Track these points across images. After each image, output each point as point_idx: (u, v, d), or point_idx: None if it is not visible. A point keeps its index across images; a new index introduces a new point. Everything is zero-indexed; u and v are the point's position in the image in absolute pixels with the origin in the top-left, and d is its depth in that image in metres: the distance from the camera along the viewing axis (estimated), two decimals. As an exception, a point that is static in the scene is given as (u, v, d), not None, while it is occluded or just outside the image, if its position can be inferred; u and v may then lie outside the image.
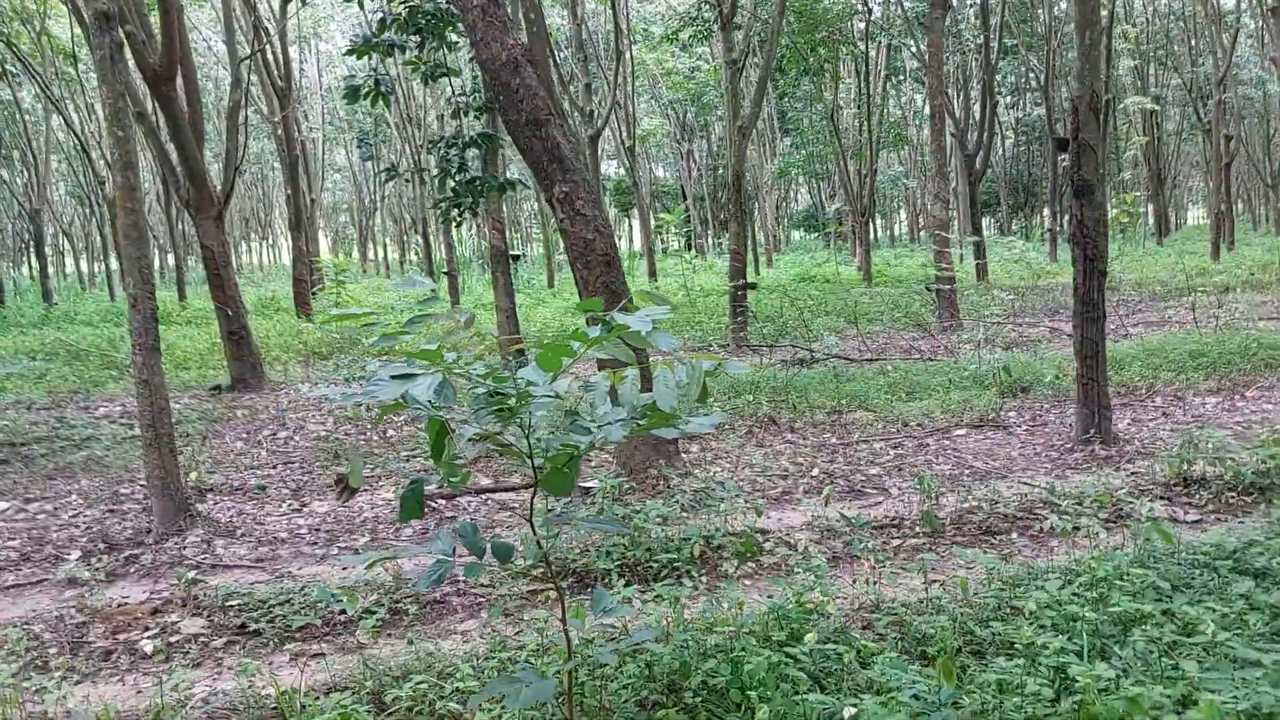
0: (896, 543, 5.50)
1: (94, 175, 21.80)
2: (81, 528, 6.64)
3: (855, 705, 3.00)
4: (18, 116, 24.77)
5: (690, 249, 39.48)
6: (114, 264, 36.75)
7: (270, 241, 65.57)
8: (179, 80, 10.83)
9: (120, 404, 11.75)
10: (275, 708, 3.91)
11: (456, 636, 4.64)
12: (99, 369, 14.41)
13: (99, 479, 8.11)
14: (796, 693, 3.24)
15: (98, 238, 44.01)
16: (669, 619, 4.06)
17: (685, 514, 5.80)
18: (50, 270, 29.71)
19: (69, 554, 5.99)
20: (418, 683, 3.85)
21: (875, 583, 4.64)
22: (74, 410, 11.38)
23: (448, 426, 2.91)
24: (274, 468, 8.26)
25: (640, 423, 2.66)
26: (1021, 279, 21.62)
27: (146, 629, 4.78)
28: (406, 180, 25.57)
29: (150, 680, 4.35)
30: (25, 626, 4.83)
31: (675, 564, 5.05)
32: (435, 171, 10.58)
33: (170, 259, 39.47)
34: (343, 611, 4.86)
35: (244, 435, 9.64)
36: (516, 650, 4.17)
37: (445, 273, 20.21)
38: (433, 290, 2.92)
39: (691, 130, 39.54)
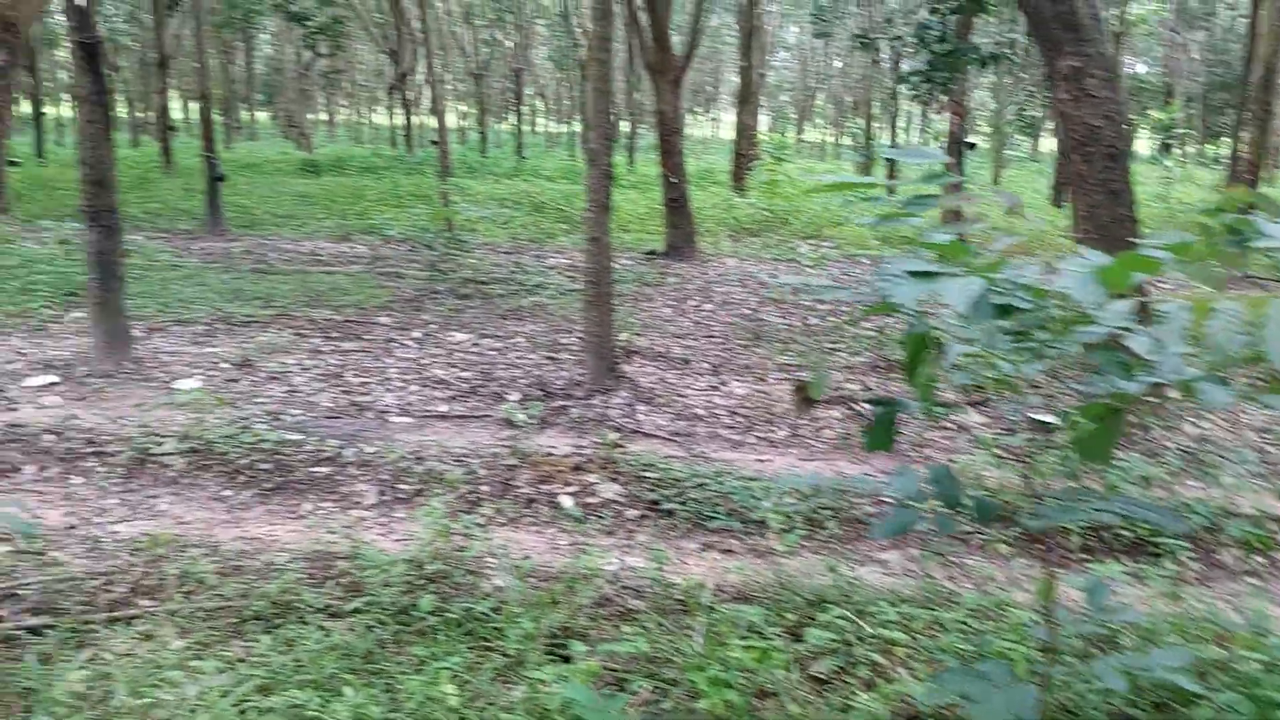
0: None
1: (570, 40, 23.17)
2: (522, 369, 6.96)
3: None
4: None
5: (1170, 155, 34.37)
6: (575, 126, 39.69)
7: (713, 116, 67.18)
8: (655, -61, 10.78)
9: (567, 256, 12.46)
10: (681, 600, 3.67)
11: (875, 566, 4.13)
12: (553, 221, 15.46)
13: (543, 325, 8.54)
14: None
15: (565, 101, 47.77)
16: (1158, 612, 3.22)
17: (1171, 479, 4.74)
18: (524, 127, 32.63)
19: (509, 394, 6.27)
20: (835, 616, 3.40)
21: None
22: (529, 257, 12.25)
23: (931, 340, 2.29)
24: (695, 339, 8.18)
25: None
26: None
27: (567, 484, 4.80)
28: (866, 54, 24.41)
29: (566, 537, 4.34)
30: (464, 460, 5.06)
31: (1155, 539, 4.10)
32: (907, 42, 9.65)
33: (624, 125, 41.76)
34: (754, 509, 4.53)
35: (671, 302, 9.71)
36: (951, 604, 3.57)
37: (886, 158, 19.15)
38: (947, 165, 2.27)
39: (1192, 18, 33.87)
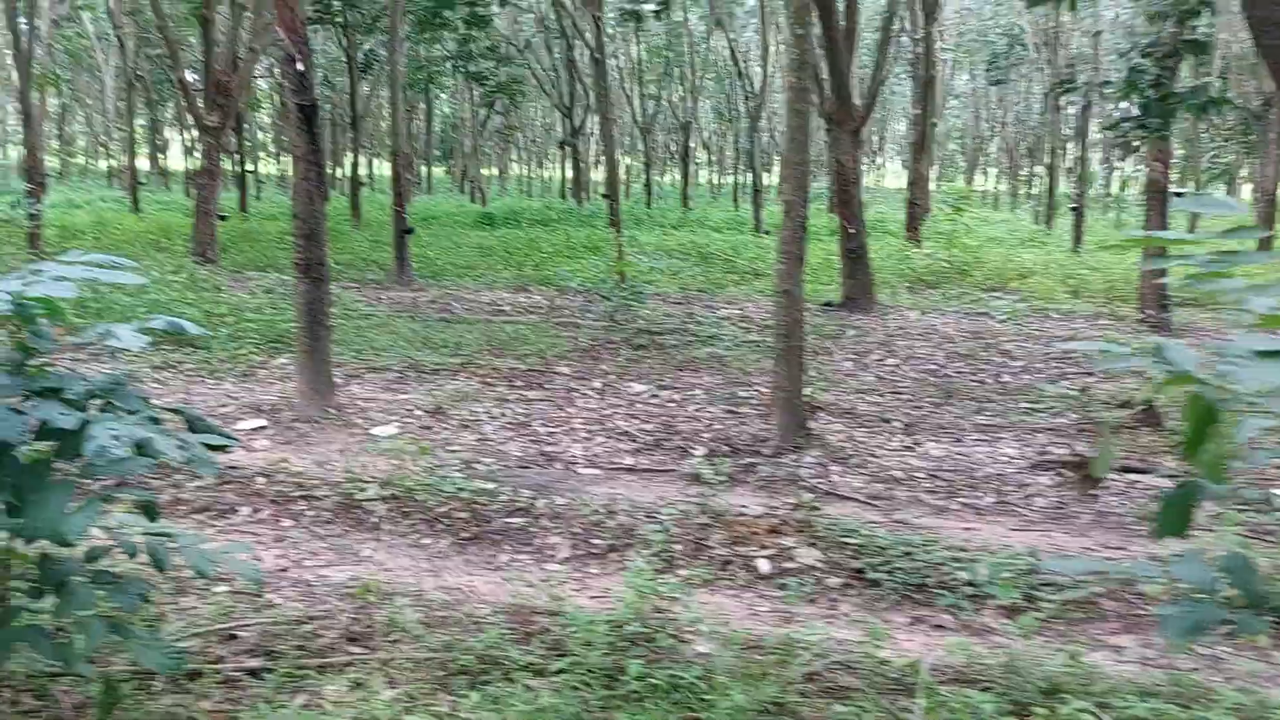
0: None
1: (742, 90, 23.30)
2: (704, 423, 6.87)
3: None
4: (682, 35, 27.46)
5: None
6: (741, 177, 39.86)
7: (880, 164, 66.25)
8: (837, -11, 10.69)
9: (738, 307, 12.37)
10: (896, 679, 3.44)
11: (1108, 651, 3.77)
12: (722, 272, 15.44)
13: (720, 377, 8.44)
14: None
15: (728, 153, 48.09)
16: None
17: None
18: (688, 179, 32.99)
19: (694, 449, 6.17)
20: (1076, 709, 3.09)
21: None
22: (700, 308, 12.22)
23: (1219, 411, 2.03)
24: (881, 396, 7.89)
25: None
26: None
27: (763, 546, 4.63)
28: (1051, 101, 23.48)
29: (766, 604, 4.17)
30: (655, 516, 4.97)
31: None
32: (1114, 87, 9.17)
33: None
34: (969, 583, 4.24)
35: (852, 356, 9.44)
36: (1207, 702, 3.20)
37: (1073, 208, 18.30)
38: (1244, 217, 2.02)
39: None
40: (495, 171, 51.84)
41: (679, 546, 4.60)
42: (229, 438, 3.08)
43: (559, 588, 4.23)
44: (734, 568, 4.46)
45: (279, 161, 48.53)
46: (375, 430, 6.39)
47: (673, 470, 5.77)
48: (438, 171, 53.28)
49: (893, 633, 3.89)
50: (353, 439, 6.23)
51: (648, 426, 6.74)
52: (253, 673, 3.47)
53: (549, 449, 6.15)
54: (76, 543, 2.51)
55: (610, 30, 24.68)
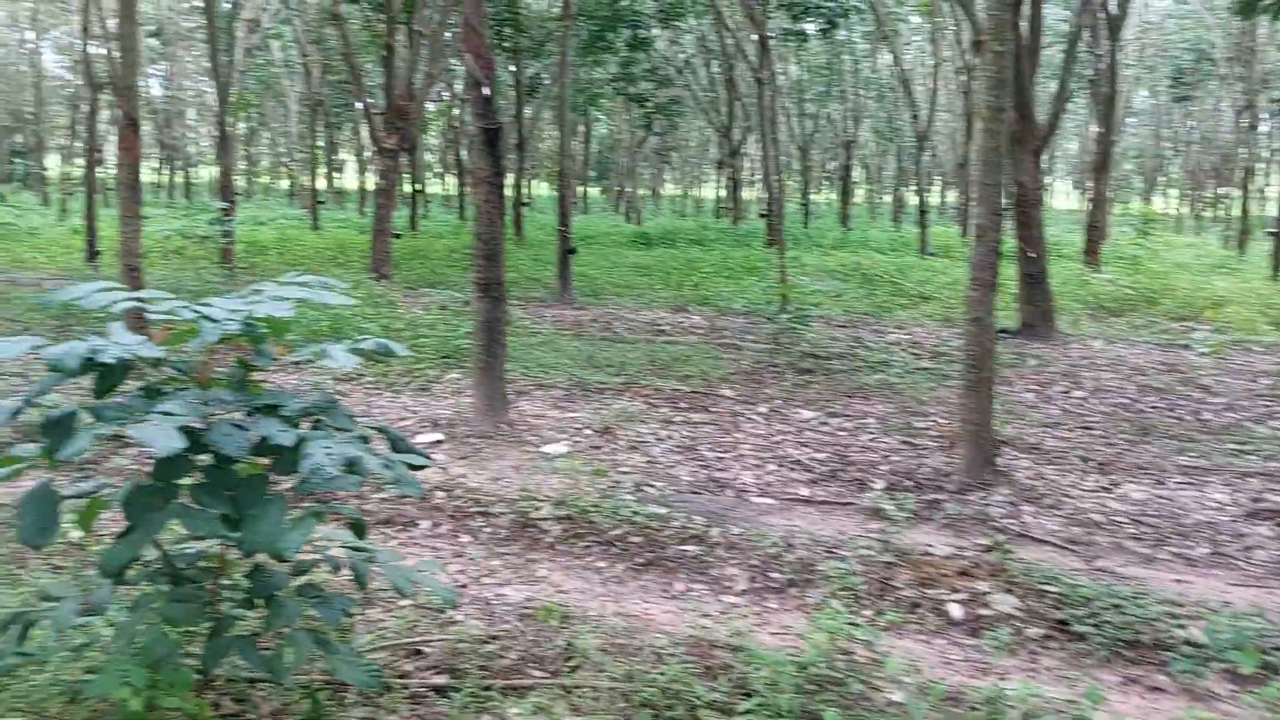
0: None
1: (909, 108, 22.72)
2: (879, 454, 6.61)
3: None
4: (844, 55, 27.06)
5: None
6: (899, 196, 38.92)
7: (1049, 184, 63.56)
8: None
9: (907, 332, 11.97)
10: (1114, 747, 3.15)
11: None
12: (887, 295, 15.01)
13: (891, 405, 8.14)
14: None
15: (885, 172, 47.09)
16: None
17: None
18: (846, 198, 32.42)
19: (873, 482, 5.94)
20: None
21: None
22: (866, 332, 11.89)
23: None
24: (1069, 430, 7.42)
25: None
26: None
27: (954, 590, 4.37)
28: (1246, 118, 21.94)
29: (959, 651, 3.92)
30: (835, 552, 4.78)
31: None
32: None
33: (952, 195, 40.45)
34: (1187, 642, 3.87)
35: (1034, 386, 8.96)
36: None
37: (1271, 232, 16.95)
38: None
39: None
40: (649, 191, 52.41)
41: (863, 585, 4.40)
42: (426, 458, 3.10)
43: (738, 621, 4.11)
44: (923, 611, 4.22)
45: (443, 182, 50.54)
46: (546, 448, 6.42)
47: (851, 504, 5.56)
48: (593, 191, 54.32)
49: (1106, 692, 3.58)
50: (525, 456, 6.28)
51: (820, 456, 6.53)
52: (439, 690, 3.48)
53: (719, 475, 6.04)
54: (292, 557, 2.55)
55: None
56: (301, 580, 2.97)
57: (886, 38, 21.52)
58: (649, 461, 6.27)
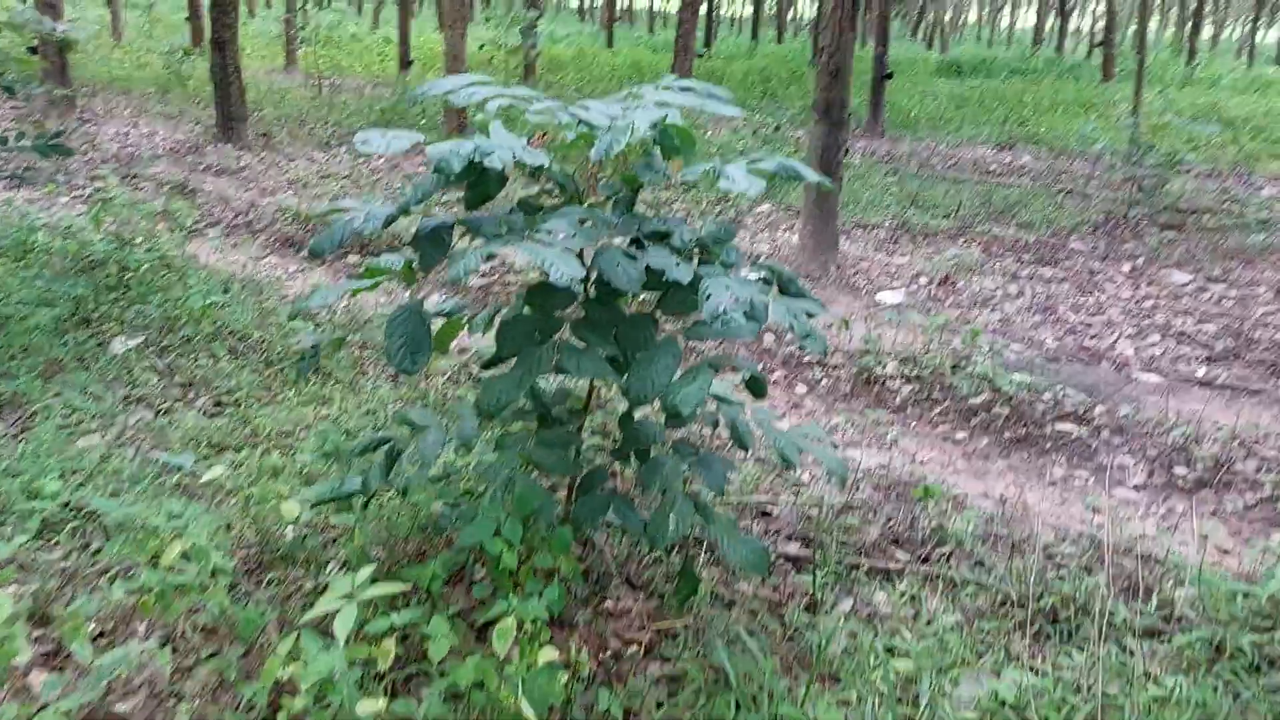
0: None
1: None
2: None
3: None
4: None
5: None
6: (1257, 30, 33.20)
7: None
8: None
9: (1288, 187, 10.10)
10: None
11: None
12: (1254, 141, 12.77)
13: (1284, 273, 6.81)
14: None
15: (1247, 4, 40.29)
16: None
17: None
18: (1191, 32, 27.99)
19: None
20: None
21: None
22: (1235, 184, 10.13)
23: None
24: None
25: None
26: None
27: None
28: None
29: None
30: (1258, 452, 3.93)
31: None
32: None
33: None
34: None
35: None
36: None
37: None
38: None
39: None
40: (949, 16, 48.00)
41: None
42: (820, 305, 2.60)
43: (1138, 523, 3.45)
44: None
45: (732, 2, 48.60)
46: (881, 295, 5.81)
47: (1261, 391, 4.60)
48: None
49: None
50: (858, 302, 5.71)
51: (1209, 329, 5.50)
52: (793, 560, 3.12)
53: (1091, 342, 5.20)
54: (689, 414, 2.16)
55: None
56: (678, 435, 2.61)
57: None
58: (1002, 320, 5.51)
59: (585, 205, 2.45)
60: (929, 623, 2.80)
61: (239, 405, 3.93)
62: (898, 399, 4.43)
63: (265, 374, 4.20)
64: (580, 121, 2.42)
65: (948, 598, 2.93)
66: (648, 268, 2.25)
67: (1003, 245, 7.29)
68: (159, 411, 3.84)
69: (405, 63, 16.44)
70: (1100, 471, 3.86)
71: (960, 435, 4.15)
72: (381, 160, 9.39)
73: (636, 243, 2.37)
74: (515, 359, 2.29)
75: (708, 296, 2.16)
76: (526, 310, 2.36)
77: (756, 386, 2.39)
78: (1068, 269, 6.75)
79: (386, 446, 2.50)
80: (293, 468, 3.33)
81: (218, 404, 3.98)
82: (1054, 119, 13.91)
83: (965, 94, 16.66)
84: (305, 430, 3.72)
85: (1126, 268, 6.84)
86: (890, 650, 2.63)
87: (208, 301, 4.52)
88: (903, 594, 2.95)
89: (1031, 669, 2.60)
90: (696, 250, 2.42)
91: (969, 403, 4.34)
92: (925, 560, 3.17)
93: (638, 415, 2.58)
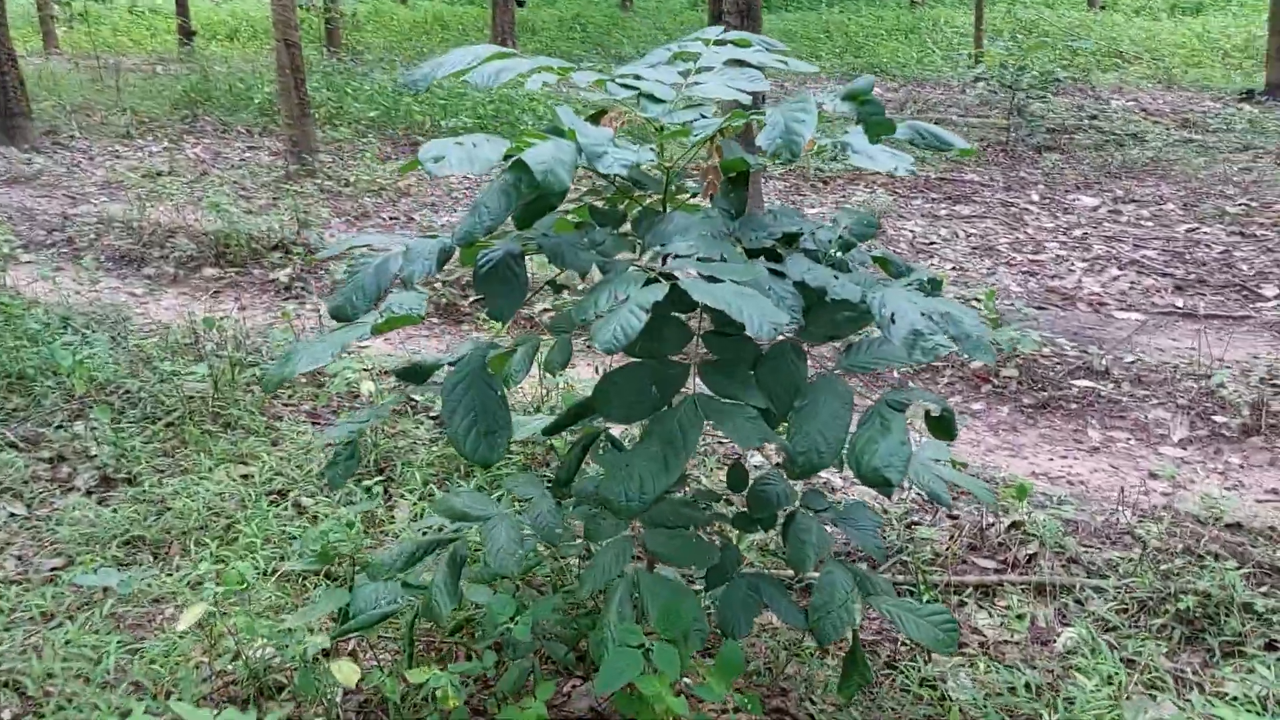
0: None
1: None
2: (1214, 249, 5.43)
3: None
4: None
5: None
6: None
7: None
8: None
9: (1130, 97, 10.38)
10: None
11: None
12: (1077, 55, 13.16)
13: (1175, 186, 6.85)
14: None
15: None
16: None
17: None
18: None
19: (1260, 288, 4.80)
20: None
21: None
22: (1086, 99, 10.31)
23: None
24: None
25: None
26: None
27: None
28: None
29: None
30: (1286, 385, 3.74)
31: None
32: None
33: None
34: None
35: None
36: None
37: None
38: None
39: None
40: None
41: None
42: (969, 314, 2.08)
43: (1200, 485, 3.17)
44: None
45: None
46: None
47: (1249, 317, 4.46)
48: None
49: None
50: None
51: (1154, 255, 5.38)
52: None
53: (1055, 283, 4.95)
54: (898, 481, 1.61)
55: None
56: (804, 487, 2.06)
57: None
58: (955, 268, 5.19)
59: (678, 207, 1.84)
60: (1044, 644, 2.40)
61: (134, 481, 3.09)
62: (895, 374, 4.01)
63: (156, 433, 3.34)
64: (643, 96, 1.81)
65: (1059, 610, 2.54)
66: (801, 285, 1.67)
67: (904, 184, 7.01)
68: (30, 502, 2.96)
69: (187, 34, 14.70)
70: (1137, 430, 3.57)
71: (977, 406, 3.78)
72: (202, 150, 8.20)
73: (769, 253, 1.78)
74: (643, 437, 1.66)
75: (890, 316, 1.61)
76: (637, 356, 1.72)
77: (945, 427, 1.85)
78: (982, 204, 6.54)
79: (449, 551, 1.82)
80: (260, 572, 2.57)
81: (105, 481, 3.12)
82: (892, 47, 13.89)
83: (790, 28, 16.47)
84: (237, 504, 2.94)
85: (1035, 196, 6.70)
86: (1030, 689, 2.20)
87: (78, 358, 3.57)
88: (1007, 611, 2.53)
89: (1218, 694, 2.22)
90: (838, 253, 1.85)
91: (971, 366, 3.97)
92: (1013, 566, 2.76)
93: (750, 462, 2.01)
